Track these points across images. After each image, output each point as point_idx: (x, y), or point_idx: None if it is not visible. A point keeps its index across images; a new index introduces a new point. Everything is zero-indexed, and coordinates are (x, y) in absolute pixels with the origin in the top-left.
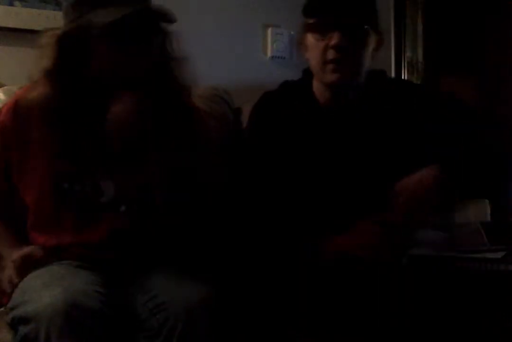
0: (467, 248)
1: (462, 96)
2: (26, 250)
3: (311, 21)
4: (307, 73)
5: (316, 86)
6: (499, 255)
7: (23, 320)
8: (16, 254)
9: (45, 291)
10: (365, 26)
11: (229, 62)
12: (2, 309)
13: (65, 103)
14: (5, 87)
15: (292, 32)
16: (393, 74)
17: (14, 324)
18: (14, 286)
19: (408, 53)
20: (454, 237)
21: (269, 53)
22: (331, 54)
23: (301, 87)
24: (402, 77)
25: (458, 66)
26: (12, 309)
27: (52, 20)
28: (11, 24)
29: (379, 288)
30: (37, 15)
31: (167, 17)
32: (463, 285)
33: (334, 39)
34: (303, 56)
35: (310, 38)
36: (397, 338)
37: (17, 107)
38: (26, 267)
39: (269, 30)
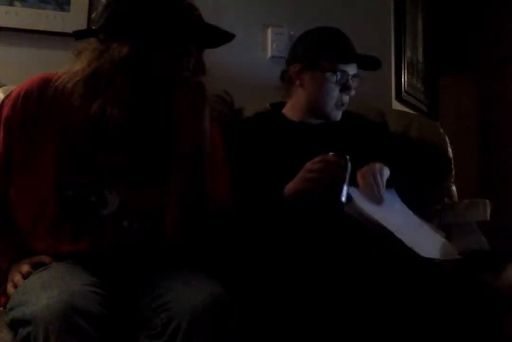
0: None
1: (462, 96)
2: (34, 259)
3: (336, 65)
4: (276, 106)
5: (291, 112)
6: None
7: (22, 322)
8: (26, 266)
9: (43, 292)
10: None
11: (229, 62)
12: (1, 309)
13: (136, 122)
14: (5, 87)
15: (292, 32)
16: (393, 74)
17: (13, 325)
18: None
19: (408, 53)
20: (453, 237)
21: (269, 53)
22: (346, 99)
23: (273, 113)
24: (402, 77)
25: (458, 66)
26: (11, 309)
27: (52, 20)
28: (11, 24)
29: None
30: (37, 15)
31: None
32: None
33: (352, 86)
34: (292, 87)
35: (321, 78)
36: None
37: (27, 103)
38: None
39: (269, 30)
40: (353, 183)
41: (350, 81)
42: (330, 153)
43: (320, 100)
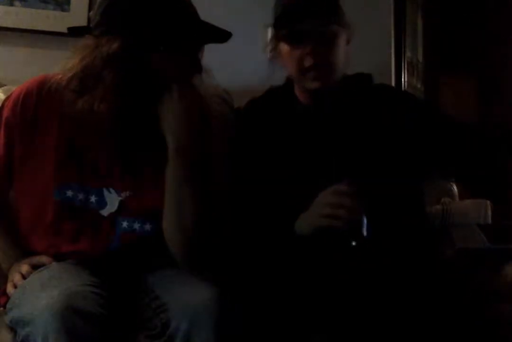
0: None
1: (462, 96)
2: (34, 259)
3: (283, 31)
4: (290, 79)
5: (298, 89)
6: None
7: (21, 322)
8: (26, 266)
9: (43, 292)
10: (334, 28)
11: (229, 62)
12: (1, 309)
13: (125, 118)
14: (5, 87)
15: None
16: (393, 74)
17: (13, 325)
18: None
19: (408, 53)
20: (453, 238)
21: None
22: (308, 61)
23: (285, 91)
24: (402, 77)
25: (458, 66)
26: (11, 309)
27: (52, 20)
28: (11, 24)
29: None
30: (37, 15)
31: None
32: None
33: (309, 47)
34: (277, 63)
35: (284, 47)
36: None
37: (27, 104)
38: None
39: (269, 30)
40: (374, 210)
41: (305, 39)
42: (343, 182)
43: (291, 73)
